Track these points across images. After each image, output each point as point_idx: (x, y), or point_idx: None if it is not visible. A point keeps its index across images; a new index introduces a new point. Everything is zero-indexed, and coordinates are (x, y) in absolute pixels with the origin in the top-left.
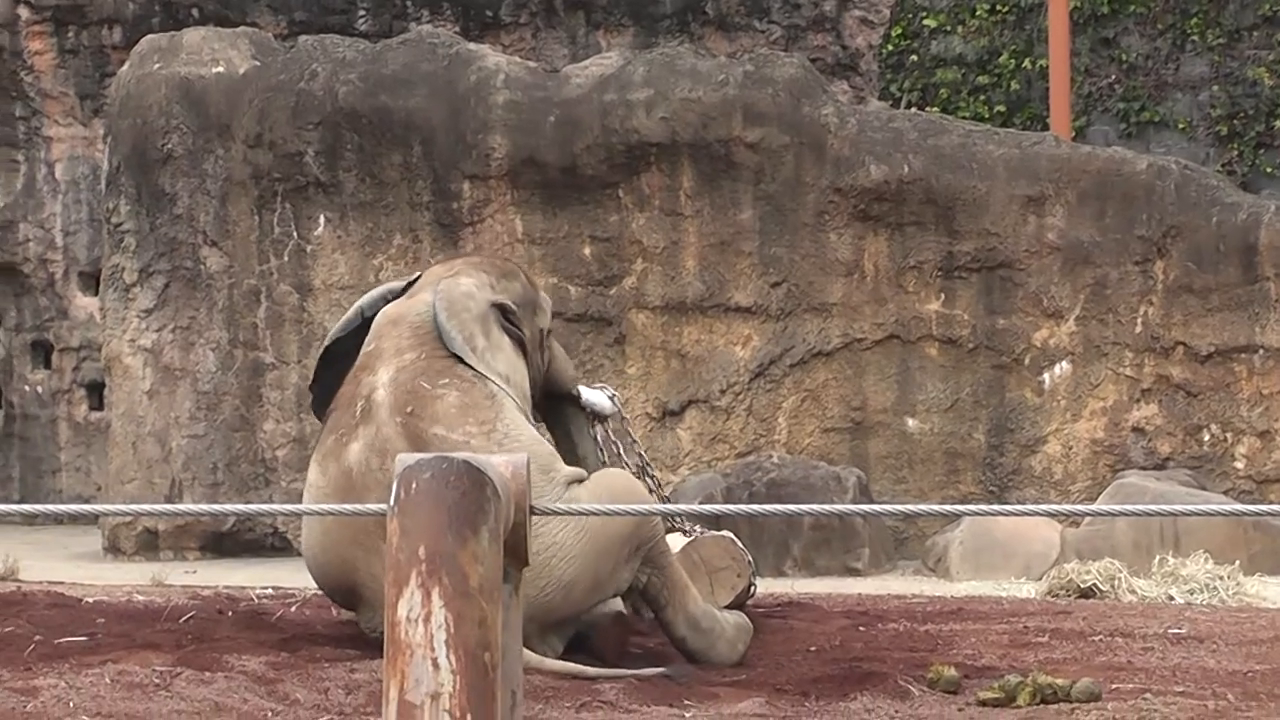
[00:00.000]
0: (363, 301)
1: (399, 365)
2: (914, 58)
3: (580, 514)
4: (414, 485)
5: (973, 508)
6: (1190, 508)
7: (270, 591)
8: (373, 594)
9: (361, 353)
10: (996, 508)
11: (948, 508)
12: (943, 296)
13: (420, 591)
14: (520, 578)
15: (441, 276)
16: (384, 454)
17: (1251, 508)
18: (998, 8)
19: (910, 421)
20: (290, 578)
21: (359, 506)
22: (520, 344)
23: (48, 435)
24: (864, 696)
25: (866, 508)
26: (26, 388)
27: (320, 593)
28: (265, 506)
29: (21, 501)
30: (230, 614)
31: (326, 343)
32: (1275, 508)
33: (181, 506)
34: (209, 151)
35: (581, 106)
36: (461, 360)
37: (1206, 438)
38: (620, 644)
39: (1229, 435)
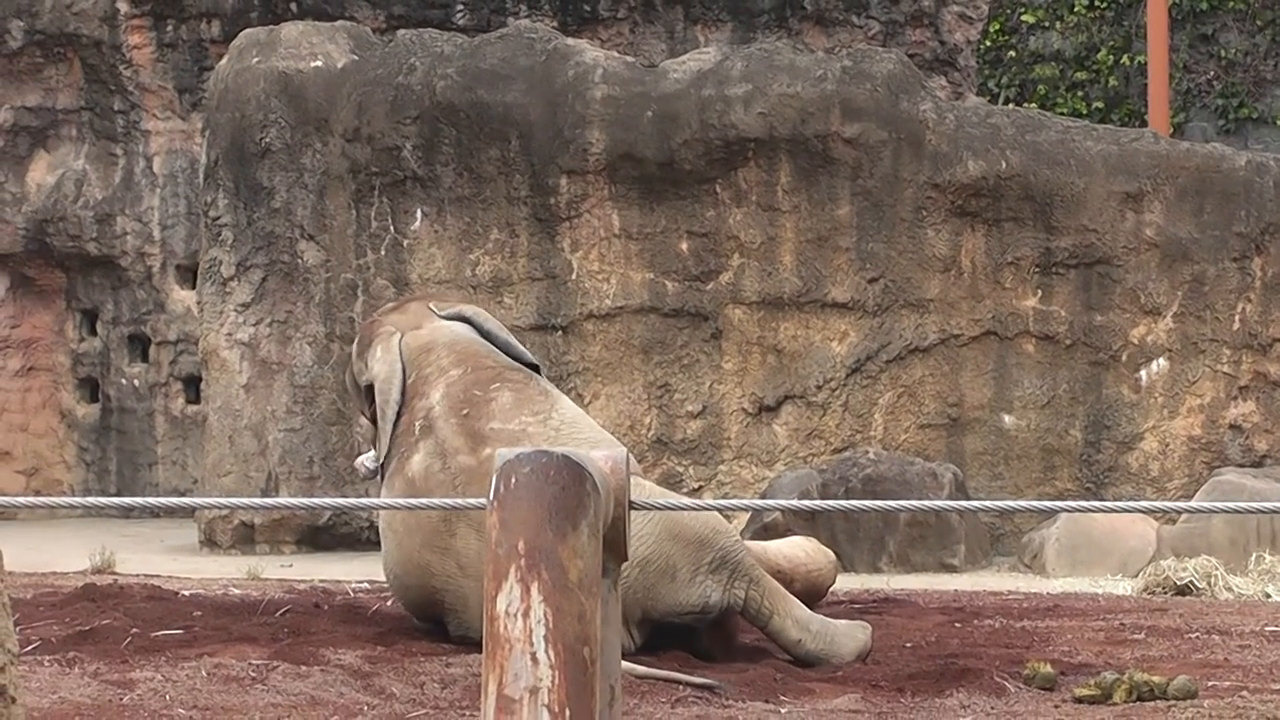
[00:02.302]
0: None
1: (448, 382)
2: (1012, 53)
3: (677, 509)
4: (513, 479)
5: (1069, 504)
6: None
7: (366, 585)
8: (453, 598)
9: (407, 386)
10: (1093, 504)
11: (1044, 504)
12: (1040, 293)
13: (519, 586)
14: (619, 573)
15: (433, 307)
16: (444, 455)
17: None
18: (1096, 3)
19: (1007, 418)
20: None
21: (457, 501)
22: None
23: (144, 428)
24: (960, 693)
25: (963, 504)
26: (124, 381)
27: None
28: (361, 500)
29: (118, 494)
30: (326, 608)
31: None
32: None
33: (278, 500)
34: (307, 145)
35: (679, 101)
36: (507, 369)
37: None
38: (729, 640)
39: None
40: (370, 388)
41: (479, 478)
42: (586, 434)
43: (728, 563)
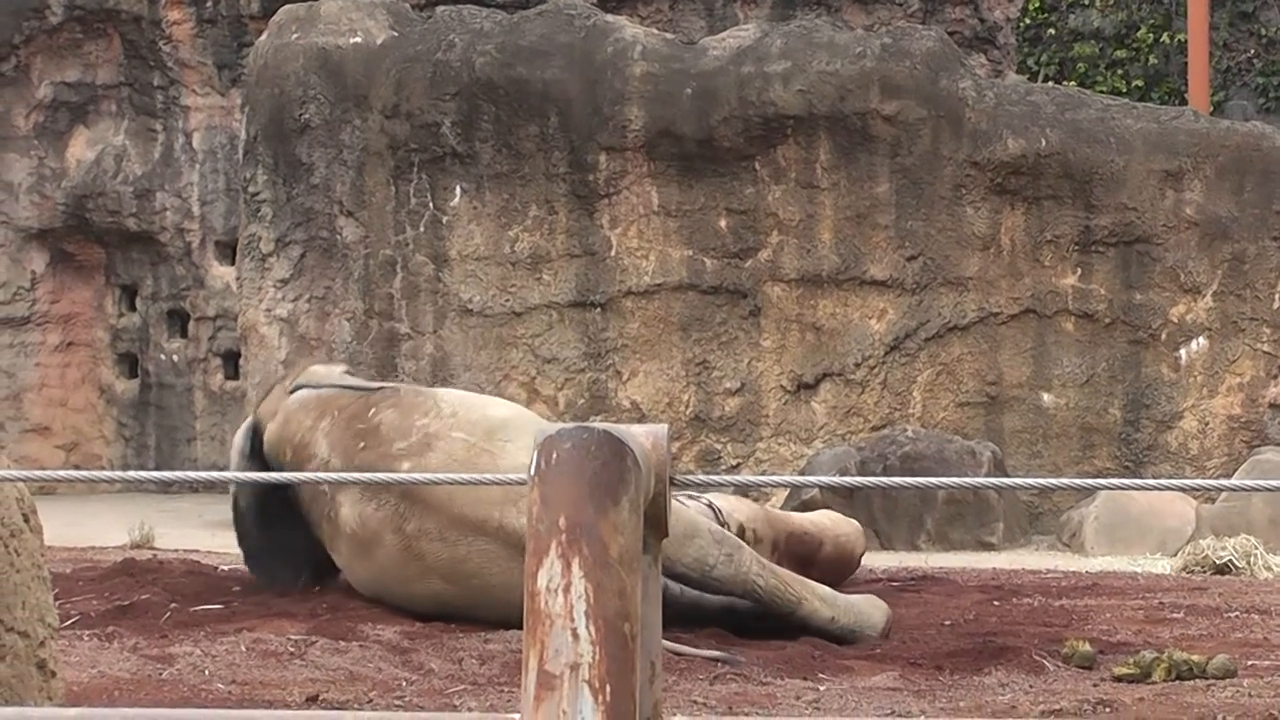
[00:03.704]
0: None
1: (324, 432)
2: (1051, 31)
3: (721, 485)
4: (554, 455)
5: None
6: None
7: None
8: (432, 609)
9: (289, 461)
10: (1132, 481)
11: (1082, 481)
12: (1079, 271)
13: (560, 562)
14: (660, 549)
15: (287, 385)
16: (367, 493)
17: None
18: None
19: (1045, 396)
20: None
21: (495, 476)
22: None
23: (183, 404)
24: (998, 671)
25: (1001, 481)
26: (163, 356)
27: None
28: (393, 475)
29: (157, 469)
30: None
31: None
32: None
33: (315, 475)
34: (346, 121)
35: (718, 78)
36: (369, 395)
37: None
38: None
39: None
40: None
41: (417, 497)
42: (481, 408)
43: (727, 541)
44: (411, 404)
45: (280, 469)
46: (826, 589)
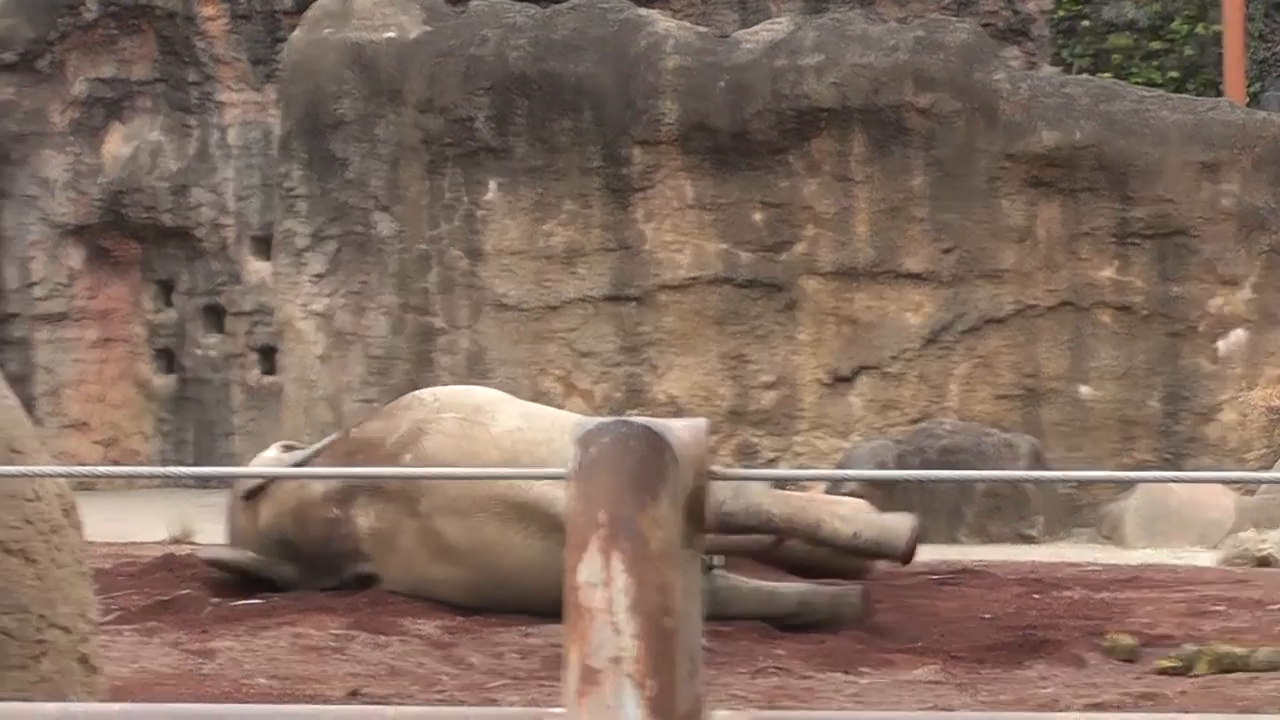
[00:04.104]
0: None
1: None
2: (1086, 23)
3: (759, 478)
4: (592, 450)
5: (1147, 474)
6: None
7: None
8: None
9: (291, 527)
10: (1171, 474)
11: (1122, 474)
12: (1116, 263)
13: (600, 556)
14: (701, 542)
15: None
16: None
17: None
18: None
19: (1083, 389)
20: None
21: (535, 470)
22: None
23: (220, 399)
24: (1039, 664)
25: (1040, 474)
26: (199, 352)
27: None
28: (433, 470)
29: (195, 465)
30: None
31: None
32: None
33: (352, 470)
34: (380, 116)
35: (752, 72)
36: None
37: None
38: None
39: None
40: None
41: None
42: (462, 391)
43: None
44: (391, 409)
45: (286, 544)
46: (845, 509)
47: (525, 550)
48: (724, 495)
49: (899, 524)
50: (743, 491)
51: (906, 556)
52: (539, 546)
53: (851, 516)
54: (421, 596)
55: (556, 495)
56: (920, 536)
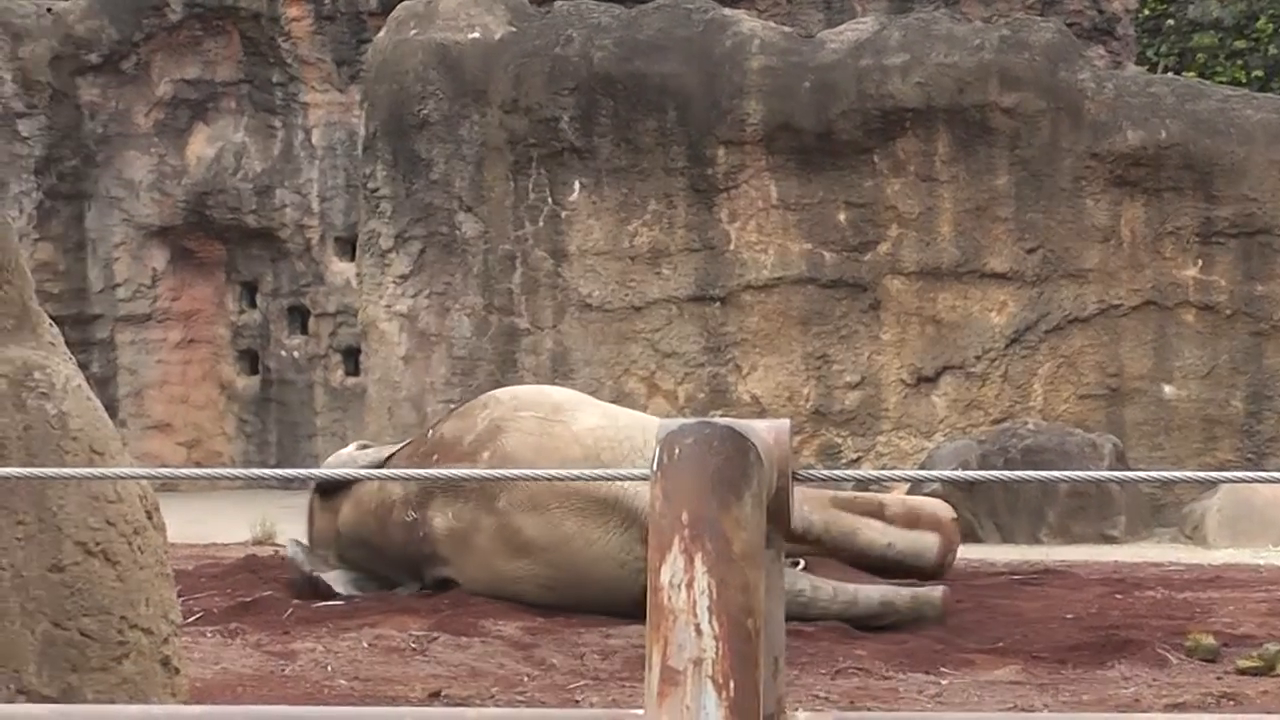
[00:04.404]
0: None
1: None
2: (1170, 22)
3: (841, 479)
4: (676, 451)
5: (1231, 474)
6: None
7: None
8: (541, 589)
9: (374, 528)
10: (1255, 474)
11: (1205, 474)
12: (1200, 262)
13: (683, 557)
14: (783, 544)
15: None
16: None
17: None
18: None
19: (1167, 388)
20: None
21: (619, 471)
22: None
23: (304, 400)
24: (1121, 664)
25: (1123, 474)
26: (283, 353)
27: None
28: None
29: (278, 466)
30: None
31: None
32: None
33: (433, 471)
34: (465, 117)
35: (837, 72)
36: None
37: None
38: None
39: None
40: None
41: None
42: (537, 390)
43: None
44: (465, 409)
45: (366, 545)
46: (880, 523)
47: (604, 545)
48: None
49: (932, 546)
50: None
51: (936, 571)
52: (618, 541)
53: (885, 529)
54: (499, 596)
55: (638, 490)
56: (952, 553)
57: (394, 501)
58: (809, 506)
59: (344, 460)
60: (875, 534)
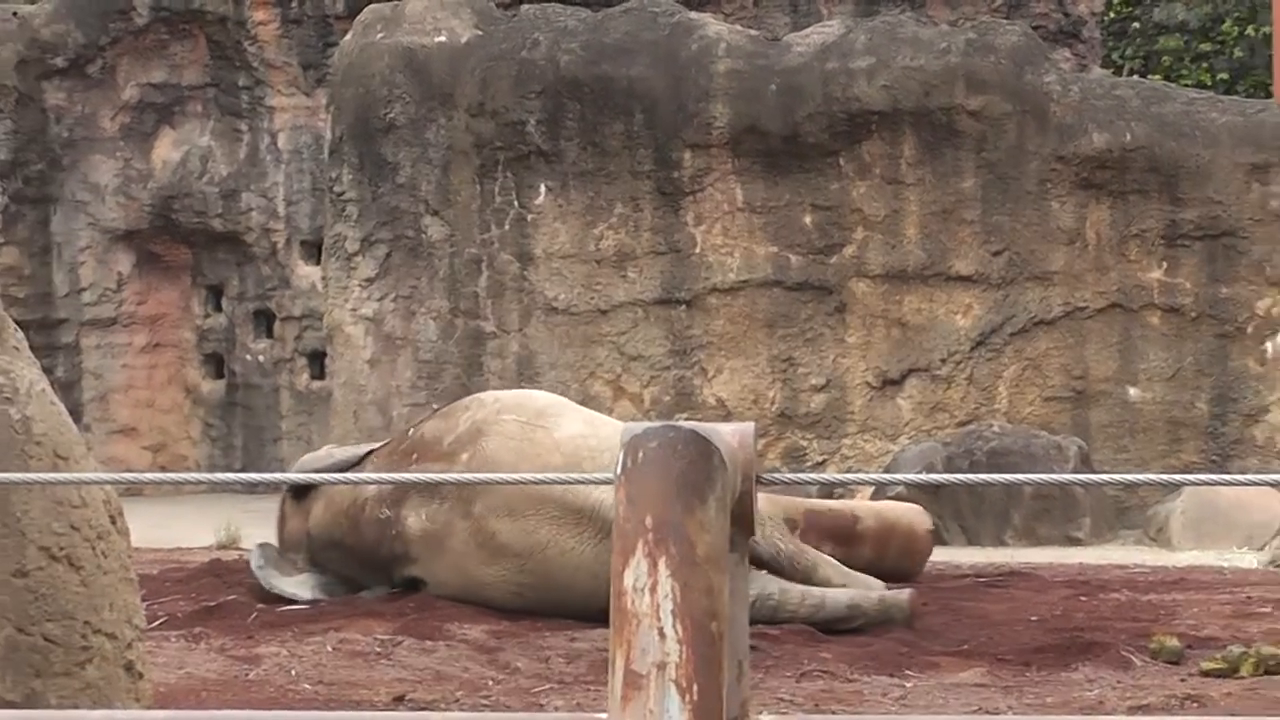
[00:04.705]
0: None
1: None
2: (1136, 25)
3: (805, 482)
4: (640, 454)
5: (1195, 477)
6: None
7: None
8: (512, 595)
9: (347, 527)
10: (1219, 477)
11: (1169, 477)
12: (1165, 265)
13: (647, 561)
14: (747, 547)
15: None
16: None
17: None
18: None
19: (1132, 390)
20: None
21: (583, 476)
22: None
23: (269, 404)
24: (1086, 666)
25: (1088, 477)
26: (249, 357)
27: None
28: (478, 475)
29: (243, 470)
30: None
31: None
32: None
33: (400, 475)
34: (431, 121)
35: (803, 75)
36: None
37: None
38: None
39: None
40: None
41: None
42: (521, 395)
43: None
44: (448, 410)
45: (338, 546)
46: (837, 563)
47: (578, 555)
48: None
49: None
50: (761, 522)
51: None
52: (591, 552)
53: (842, 570)
54: (468, 600)
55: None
56: (891, 611)
57: (367, 500)
58: (779, 533)
59: (320, 459)
60: (832, 570)
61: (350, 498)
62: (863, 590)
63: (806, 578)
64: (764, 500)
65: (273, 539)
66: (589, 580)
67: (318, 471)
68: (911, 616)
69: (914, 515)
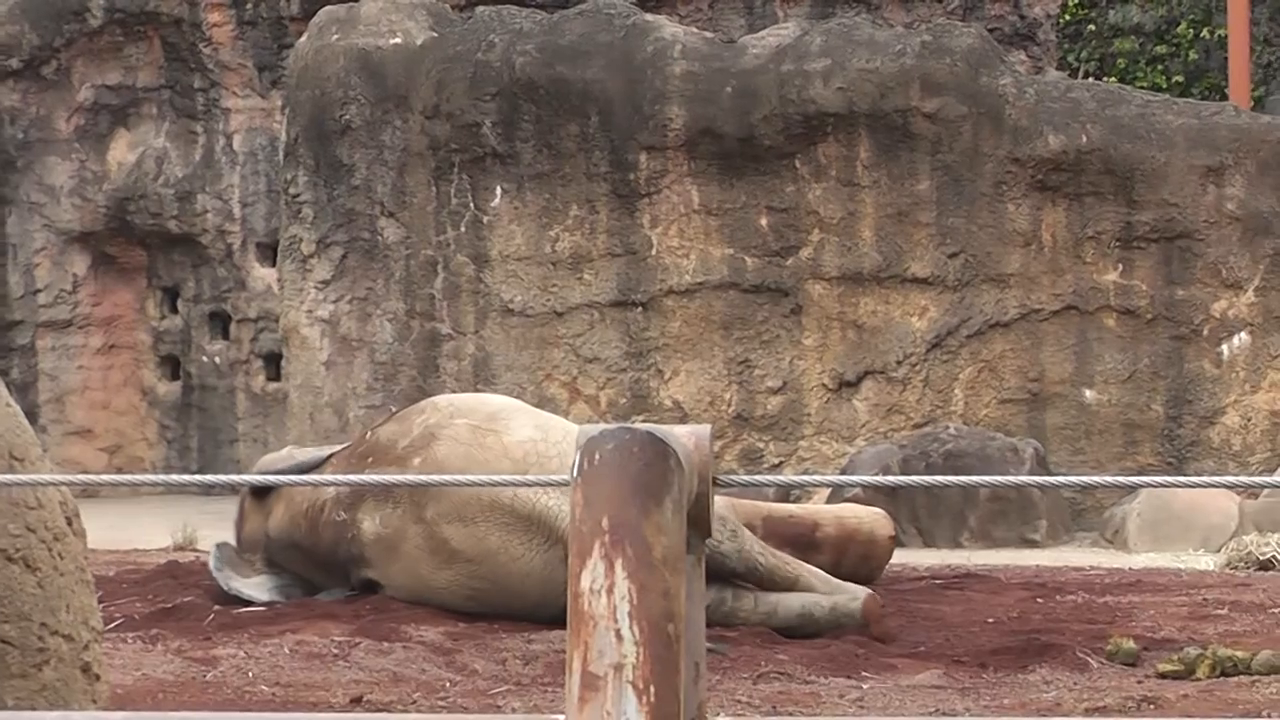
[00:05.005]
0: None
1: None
2: (1091, 27)
3: (763, 484)
4: (597, 456)
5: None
6: None
7: None
8: (466, 599)
9: (305, 529)
10: (1174, 479)
11: (1125, 479)
12: (1121, 267)
13: (604, 563)
14: (704, 549)
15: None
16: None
17: None
18: None
19: (1088, 392)
20: None
21: (541, 478)
22: None
23: (225, 405)
24: (1042, 668)
25: (1043, 479)
26: (204, 358)
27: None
28: (441, 477)
29: (199, 472)
30: None
31: None
32: None
33: (356, 477)
34: (386, 123)
35: (759, 77)
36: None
37: None
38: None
39: None
40: None
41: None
42: (476, 399)
43: (728, 521)
44: (405, 413)
45: (297, 547)
46: (823, 574)
47: (527, 561)
48: (722, 535)
49: (859, 597)
50: (739, 536)
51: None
52: (541, 558)
53: (825, 579)
54: (425, 603)
55: (562, 509)
56: (872, 617)
57: (326, 502)
58: (758, 549)
59: (281, 459)
60: (815, 580)
61: (309, 500)
62: (815, 596)
63: (789, 590)
64: (725, 507)
65: (230, 539)
66: (539, 586)
67: (278, 473)
68: (865, 624)
69: (876, 521)
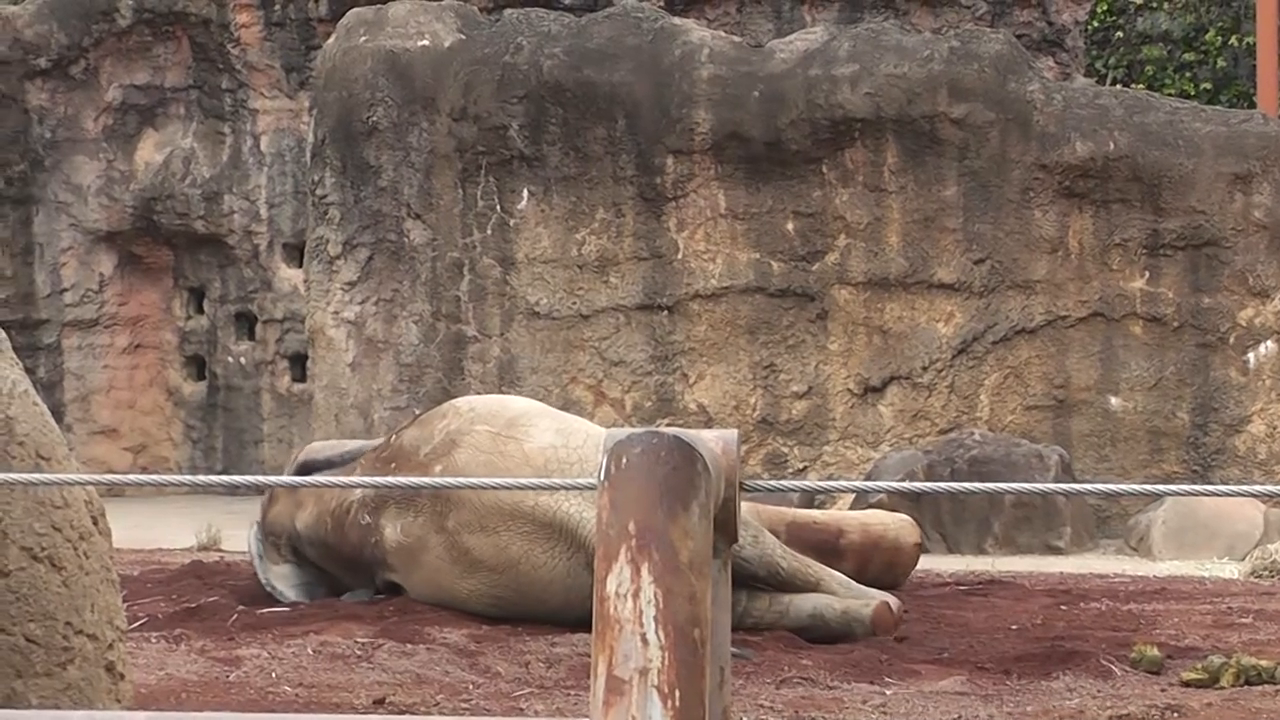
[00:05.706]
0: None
1: (322, 503)
2: (1120, 34)
3: (790, 489)
4: (624, 460)
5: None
6: None
7: None
8: (488, 606)
9: (331, 529)
10: (1200, 487)
11: (1151, 487)
12: (1147, 274)
13: (630, 567)
14: (729, 554)
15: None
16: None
17: None
18: None
19: (1113, 400)
20: None
21: (567, 481)
22: None
23: (251, 406)
24: (1066, 675)
25: (1069, 486)
26: (230, 359)
27: None
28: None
29: (224, 472)
30: None
31: None
32: None
33: (381, 479)
34: (414, 124)
35: (786, 81)
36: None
37: None
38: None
39: None
40: None
41: (452, 493)
42: (498, 402)
43: (750, 525)
44: (428, 417)
45: (322, 544)
46: (845, 578)
47: (550, 569)
48: (744, 540)
49: (872, 602)
50: (761, 540)
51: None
52: (564, 566)
53: (846, 583)
54: (447, 608)
55: (584, 515)
56: (886, 624)
57: (353, 503)
58: (779, 552)
59: (329, 448)
60: (837, 585)
61: (338, 500)
62: (827, 599)
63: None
64: (749, 512)
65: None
66: (562, 593)
67: (326, 461)
68: (874, 631)
69: (901, 528)
